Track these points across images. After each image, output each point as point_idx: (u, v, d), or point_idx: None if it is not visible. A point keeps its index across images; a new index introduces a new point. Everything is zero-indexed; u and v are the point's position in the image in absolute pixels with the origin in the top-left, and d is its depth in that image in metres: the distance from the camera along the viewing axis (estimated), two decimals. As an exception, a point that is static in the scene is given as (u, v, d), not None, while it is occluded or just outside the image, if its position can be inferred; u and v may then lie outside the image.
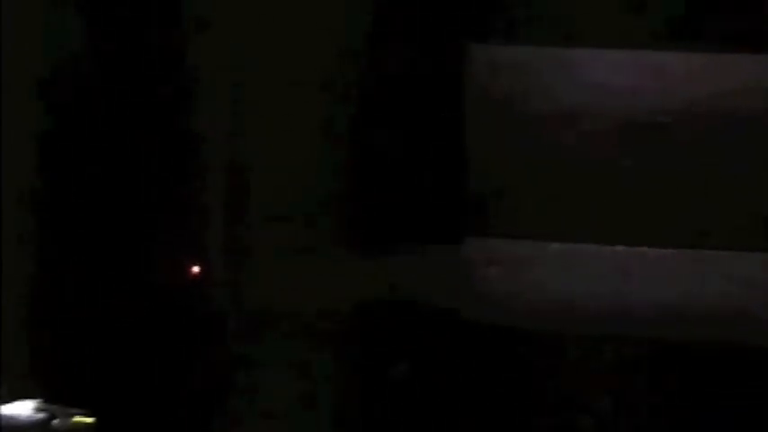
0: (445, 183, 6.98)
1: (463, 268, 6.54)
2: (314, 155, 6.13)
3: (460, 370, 5.23)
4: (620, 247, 7.13)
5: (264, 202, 5.96)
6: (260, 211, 5.97)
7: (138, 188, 5.52)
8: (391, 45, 6.53)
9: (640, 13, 6.87)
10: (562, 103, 7.65)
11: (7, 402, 3.73)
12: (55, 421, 3.73)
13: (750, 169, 7.19)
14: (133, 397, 4.85)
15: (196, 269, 5.43)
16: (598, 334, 5.49)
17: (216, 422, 4.90)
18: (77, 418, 3.76)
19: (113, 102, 5.44)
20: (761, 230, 7.00)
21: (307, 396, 5.01)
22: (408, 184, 6.59)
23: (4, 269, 4.68)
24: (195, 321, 5.33)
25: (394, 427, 4.92)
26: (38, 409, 3.76)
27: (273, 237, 5.95)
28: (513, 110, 7.56)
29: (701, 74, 7.58)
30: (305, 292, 5.62)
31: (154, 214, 5.52)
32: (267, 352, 5.28)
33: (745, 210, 6.95)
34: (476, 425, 4.89)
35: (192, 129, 5.76)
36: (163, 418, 4.84)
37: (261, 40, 5.86)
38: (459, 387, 5.06)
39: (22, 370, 4.58)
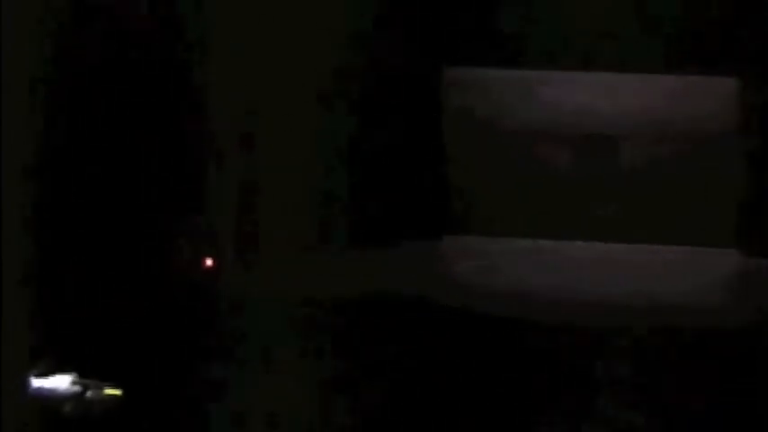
0: (426, 185, 7.71)
1: (442, 262, 7.26)
2: (311, 160, 6.76)
3: (438, 356, 5.52)
4: (578, 243, 7.89)
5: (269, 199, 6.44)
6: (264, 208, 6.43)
7: (146, 183, 5.86)
8: (379, 61, 7.21)
9: (606, 36, 7.59)
10: (529, 118, 8.38)
11: (47, 376, 4.18)
12: (88, 393, 4.27)
13: (694, 180, 8.01)
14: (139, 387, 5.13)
15: (209, 262, 5.89)
16: (561, 322, 5.88)
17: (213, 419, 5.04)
18: (108, 391, 4.29)
19: (121, 98, 5.86)
20: (703, 229, 7.80)
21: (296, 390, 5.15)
22: (392, 186, 7.30)
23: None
24: (197, 315, 5.54)
25: (382, 415, 5.11)
26: (73, 383, 4.26)
27: (273, 233, 6.45)
28: (487, 124, 8.31)
29: (656, 95, 8.36)
30: (296, 287, 5.97)
31: (161, 208, 5.87)
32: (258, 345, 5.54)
33: (688, 211, 7.77)
34: (453, 409, 5.06)
35: (201, 127, 6.13)
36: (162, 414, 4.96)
37: (262, 46, 6.39)
38: (438, 373, 5.25)
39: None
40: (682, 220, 8.08)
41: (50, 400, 4.08)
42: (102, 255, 5.30)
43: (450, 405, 4.90)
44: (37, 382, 4.08)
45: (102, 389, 4.22)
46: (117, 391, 4.20)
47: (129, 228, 5.38)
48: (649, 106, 8.67)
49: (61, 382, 4.20)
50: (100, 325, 4.99)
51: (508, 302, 6.08)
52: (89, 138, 5.47)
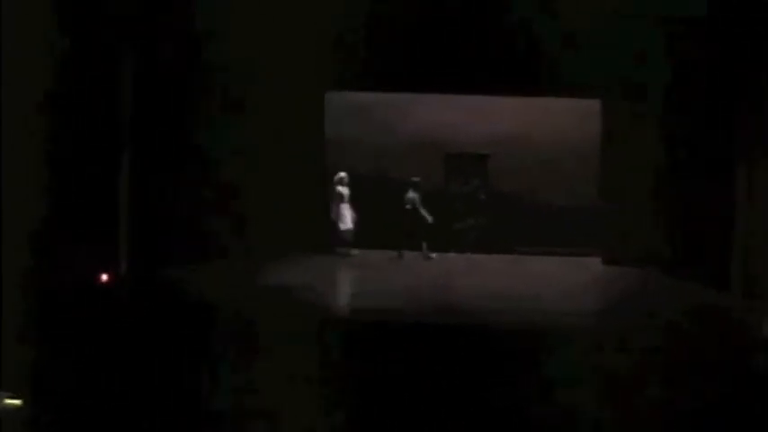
0: (315, 203, 8.24)
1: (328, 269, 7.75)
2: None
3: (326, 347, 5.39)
4: (451, 254, 8.45)
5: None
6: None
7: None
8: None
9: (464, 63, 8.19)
10: (401, 136, 8.96)
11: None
12: (-12, 402, 4.27)
13: (561, 193, 8.66)
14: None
15: (105, 276, 6.16)
16: (439, 321, 5.99)
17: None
18: (7, 401, 4.42)
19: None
20: (569, 239, 8.41)
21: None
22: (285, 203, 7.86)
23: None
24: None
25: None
26: (-25, 394, 4.28)
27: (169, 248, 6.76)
28: (365, 143, 8.88)
29: (516, 114, 9.04)
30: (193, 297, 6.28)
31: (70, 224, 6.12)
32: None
33: (550, 222, 8.40)
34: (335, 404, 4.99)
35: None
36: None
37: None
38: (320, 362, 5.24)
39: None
40: (550, 231, 8.62)
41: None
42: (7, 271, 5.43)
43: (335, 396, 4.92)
44: (-58, 392, 4.26)
45: (2, 399, 4.36)
46: (16, 402, 4.35)
47: (32, 244, 5.57)
48: (518, 126, 9.25)
49: (-36, 393, 4.32)
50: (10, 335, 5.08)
51: (388, 306, 6.37)
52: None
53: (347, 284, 7.87)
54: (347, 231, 9.31)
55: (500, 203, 9.41)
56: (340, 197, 9.28)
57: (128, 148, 6.86)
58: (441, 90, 9.25)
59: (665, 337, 5.64)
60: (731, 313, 6.34)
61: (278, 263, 8.38)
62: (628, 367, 5.20)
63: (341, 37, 8.06)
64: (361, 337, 5.58)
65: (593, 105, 9.62)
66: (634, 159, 8.77)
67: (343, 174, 9.31)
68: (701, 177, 7.61)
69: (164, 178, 7.21)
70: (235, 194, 8.16)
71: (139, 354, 5.35)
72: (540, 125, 9.89)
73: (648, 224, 8.45)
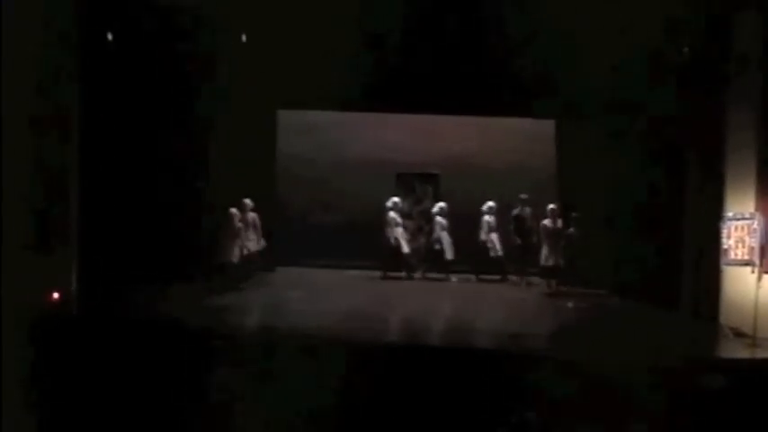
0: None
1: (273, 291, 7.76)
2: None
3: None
4: (403, 273, 8.49)
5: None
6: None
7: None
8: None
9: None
10: (349, 154, 9.05)
11: None
12: None
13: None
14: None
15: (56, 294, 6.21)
16: (383, 340, 6.08)
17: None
18: None
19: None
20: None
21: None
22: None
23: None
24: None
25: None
26: None
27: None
28: (313, 160, 8.95)
29: (463, 134, 9.13)
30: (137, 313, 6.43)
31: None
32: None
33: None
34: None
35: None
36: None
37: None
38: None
39: None
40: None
41: None
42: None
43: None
44: None
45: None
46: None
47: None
48: (472, 146, 9.31)
49: None
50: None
51: (334, 325, 6.40)
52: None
53: (288, 304, 7.62)
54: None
55: (452, 223, 9.34)
56: None
57: (79, 164, 6.83)
58: (393, 110, 9.34)
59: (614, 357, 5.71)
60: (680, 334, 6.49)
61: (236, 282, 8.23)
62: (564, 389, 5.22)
63: (293, 56, 8.19)
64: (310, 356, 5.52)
65: (547, 126, 9.81)
66: (589, 180, 8.85)
67: None
68: (655, 196, 7.75)
69: (116, 195, 7.19)
70: (189, 213, 8.21)
71: (91, 372, 5.36)
72: (495, 145, 9.91)
73: (602, 244, 8.56)
